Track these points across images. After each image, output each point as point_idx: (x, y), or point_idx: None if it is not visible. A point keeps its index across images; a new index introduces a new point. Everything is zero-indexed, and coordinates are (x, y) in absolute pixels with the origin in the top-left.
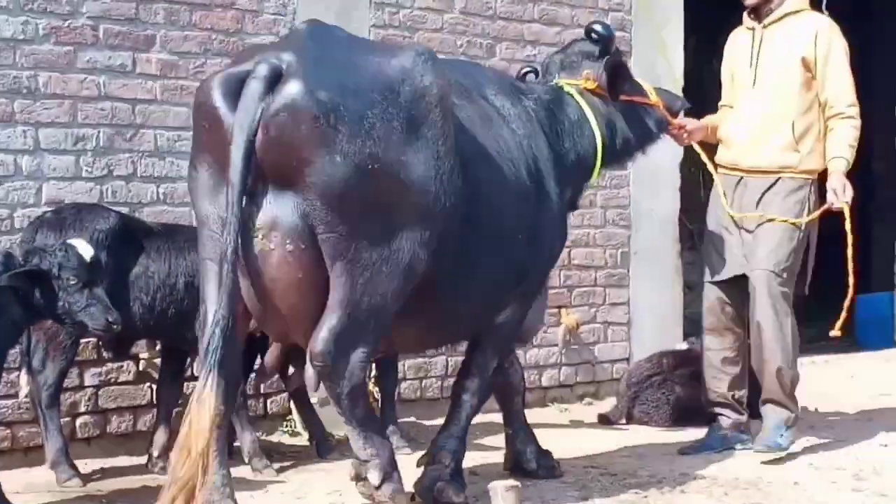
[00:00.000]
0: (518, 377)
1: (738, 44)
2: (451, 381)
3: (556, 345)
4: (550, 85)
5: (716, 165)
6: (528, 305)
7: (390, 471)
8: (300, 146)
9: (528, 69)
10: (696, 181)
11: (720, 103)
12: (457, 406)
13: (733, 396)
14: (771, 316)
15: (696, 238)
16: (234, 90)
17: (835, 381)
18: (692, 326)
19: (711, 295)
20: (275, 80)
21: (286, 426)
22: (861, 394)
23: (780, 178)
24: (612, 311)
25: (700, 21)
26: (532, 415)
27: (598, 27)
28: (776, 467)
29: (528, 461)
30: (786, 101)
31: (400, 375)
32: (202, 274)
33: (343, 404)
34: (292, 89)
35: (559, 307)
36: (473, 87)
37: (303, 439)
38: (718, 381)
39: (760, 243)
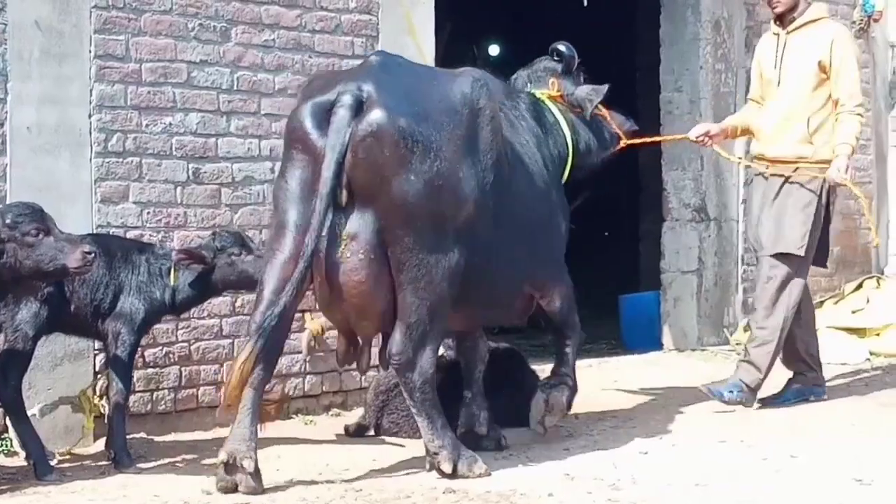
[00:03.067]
0: (483, 348)
1: (765, 46)
2: (185, 392)
3: (300, 352)
4: (526, 92)
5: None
6: (569, 288)
7: (457, 456)
8: (383, 166)
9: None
10: None
11: (748, 97)
12: (561, 354)
13: (807, 352)
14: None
15: None
16: (321, 117)
17: (598, 385)
18: None
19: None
20: (358, 108)
21: (1, 445)
22: (624, 399)
23: (797, 167)
24: None
25: (460, 4)
26: (274, 428)
27: (561, 48)
28: (533, 479)
29: (479, 425)
30: (803, 99)
31: None
32: (268, 262)
33: (415, 397)
34: (376, 117)
35: (303, 311)
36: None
37: (20, 458)
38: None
39: (780, 228)
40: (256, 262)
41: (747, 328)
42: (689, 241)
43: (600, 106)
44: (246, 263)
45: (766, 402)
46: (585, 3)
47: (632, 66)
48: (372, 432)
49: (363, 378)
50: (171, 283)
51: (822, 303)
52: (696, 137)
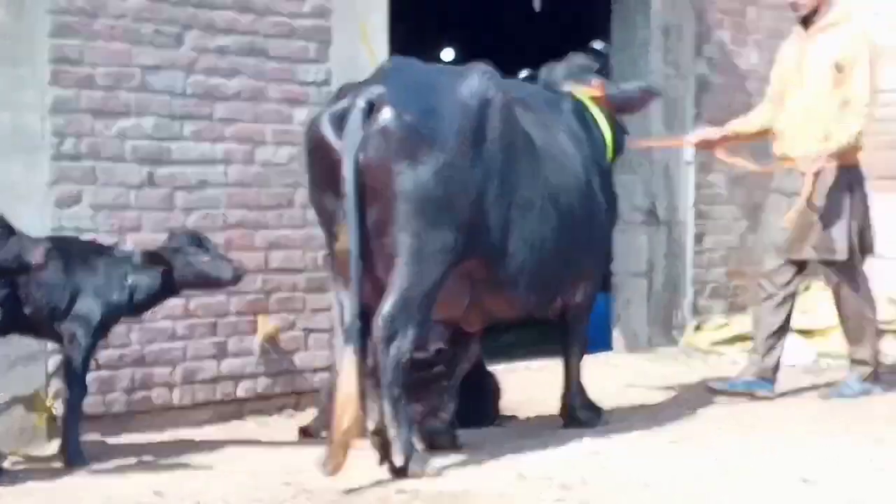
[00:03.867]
0: (475, 349)
1: (788, 49)
2: (140, 393)
3: (254, 354)
4: (565, 92)
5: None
6: (597, 284)
7: (410, 451)
8: (391, 160)
9: (529, 73)
10: None
11: (765, 98)
12: (568, 368)
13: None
14: (844, 295)
15: None
16: (339, 123)
17: (550, 386)
18: None
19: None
20: (370, 110)
21: None
22: None
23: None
24: (314, 317)
25: (410, 10)
26: (228, 429)
27: (598, 46)
28: (485, 479)
29: (442, 416)
30: (822, 99)
31: None
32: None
33: (386, 374)
34: (384, 115)
35: (256, 314)
36: (528, 99)
37: None
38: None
39: (817, 232)
40: (214, 262)
41: (697, 329)
42: (639, 244)
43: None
44: (204, 263)
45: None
46: (537, 8)
47: None
48: (325, 434)
49: (316, 380)
50: (129, 284)
51: None
52: (696, 143)
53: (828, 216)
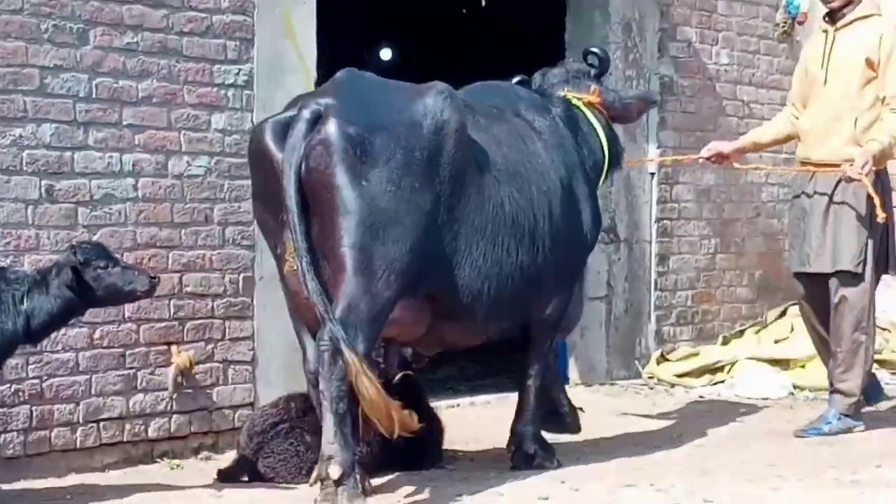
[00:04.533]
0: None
1: (813, 45)
2: (38, 434)
3: (166, 388)
4: (559, 97)
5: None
6: (569, 296)
7: (350, 472)
8: (332, 173)
9: (522, 78)
10: None
11: (788, 98)
12: (524, 391)
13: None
14: (843, 312)
15: None
16: (282, 134)
17: (498, 423)
18: None
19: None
20: (315, 121)
21: None
22: None
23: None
24: (234, 347)
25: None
26: (137, 474)
27: (596, 50)
28: None
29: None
30: (851, 98)
31: None
32: (288, 302)
33: (330, 391)
34: (328, 127)
35: (168, 343)
36: (508, 106)
37: None
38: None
39: (837, 242)
40: (125, 273)
41: (661, 359)
42: (598, 265)
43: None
44: (113, 276)
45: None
46: (483, 3)
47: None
48: (246, 478)
49: (236, 417)
50: (25, 309)
51: (742, 332)
52: (709, 157)
53: (847, 223)
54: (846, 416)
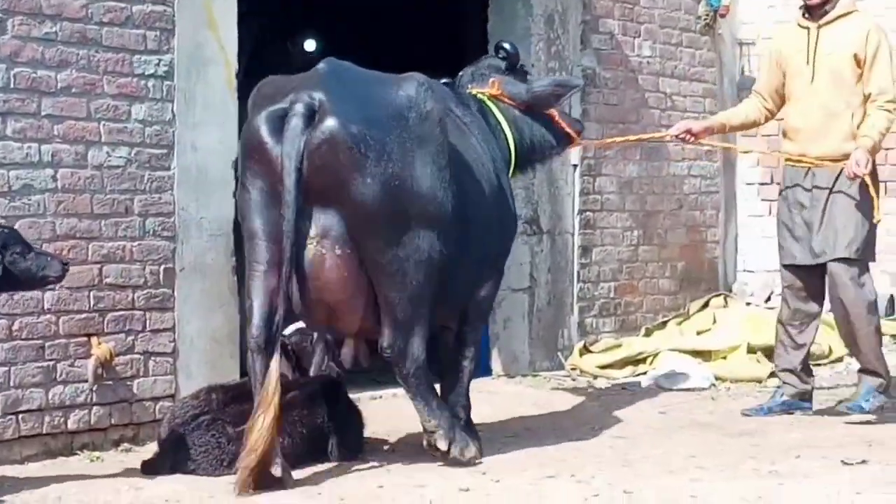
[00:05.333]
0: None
1: (790, 40)
2: None
3: (86, 380)
4: (467, 93)
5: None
6: (499, 281)
7: (453, 435)
8: (339, 171)
9: (445, 80)
10: None
11: (755, 88)
12: (458, 372)
13: (799, 367)
14: (852, 298)
15: None
16: (276, 125)
17: (397, 417)
18: None
19: (787, 277)
20: (311, 116)
21: None
22: None
23: (845, 165)
24: (154, 338)
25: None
26: (57, 466)
27: (506, 45)
28: None
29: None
30: (843, 94)
31: None
32: (249, 275)
33: (410, 383)
34: (330, 124)
35: (89, 335)
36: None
37: None
38: (786, 353)
39: (835, 231)
40: (39, 258)
41: (584, 351)
42: (520, 257)
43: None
44: (28, 261)
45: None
46: None
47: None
48: (167, 470)
49: (157, 409)
50: None
51: (665, 323)
52: (678, 135)
53: (845, 213)
54: (880, 392)
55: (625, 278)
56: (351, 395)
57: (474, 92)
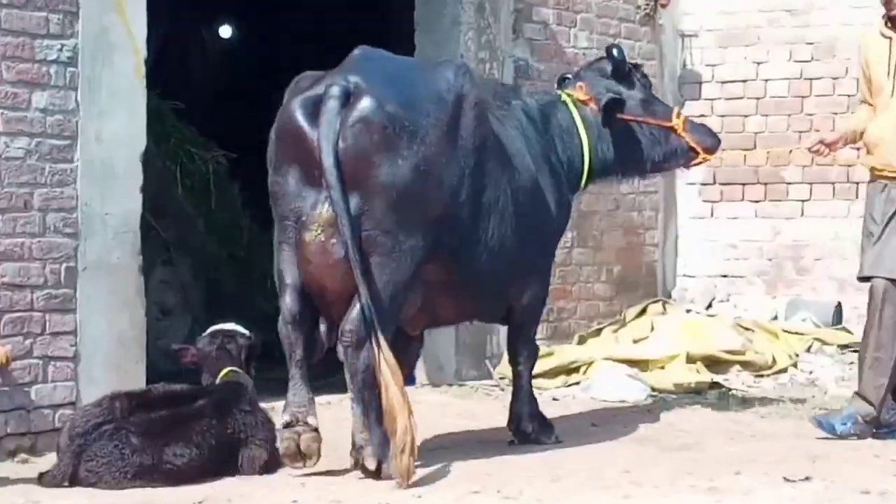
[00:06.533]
0: (416, 350)
1: (874, 49)
2: None
3: None
4: (550, 93)
5: None
6: (546, 286)
7: (382, 455)
8: (372, 151)
9: (566, 76)
10: (171, 178)
11: (859, 99)
12: (517, 376)
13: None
14: (887, 319)
15: (172, 249)
16: (312, 110)
17: (341, 423)
18: (175, 361)
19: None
20: (346, 98)
21: None
22: None
23: None
24: (54, 342)
25: None
26: None
27: (613, 51)
28: None
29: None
30: None
31: None
32: (280, 255)
33: (356, 382)
34: (365, 104)
35: None
36: (492, 97)
37: None
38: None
39: (890, 248)
40: None
41: None
42: None
43: (679, 117)
44: None
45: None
46: None
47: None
48: (67, 483)
49: (56, 417)
50: None
51: (599, 330)
52: (811, 148)
53: None
54: (865, 422)
55: (557, 282)
56: (266, 404)
57: (562, 93)
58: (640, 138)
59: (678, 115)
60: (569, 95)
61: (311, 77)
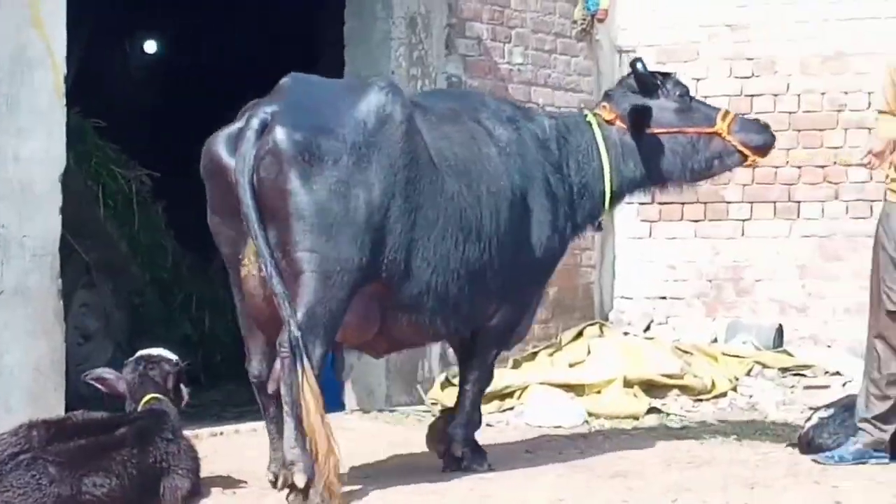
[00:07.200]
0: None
1: None
2: None
3: None
4: (574, 113)
5: None
6: (520, 311)
7: (312, 475)
8: (284, 181)
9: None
10: (92, 199)
11: (879, 109)
12: (462, 394)
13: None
14: None
15: (94, 272)
16: (234, 145)
17: (258, 455)
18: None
19: None
20: (263, 130)
21: None
22: None
23: None
24: None
25: None
26: None
27: (638, 65)
28: None
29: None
30: None
31: None
32: (238, 306)
33: (292, 395)
34: (275, 135)
35: None
36: (466, 112)
37: None
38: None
39: None
40: None
41: (446, 384)
42: None
43: (725, 119)
44: None
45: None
46: None
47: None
48: None
49: None
50: None
51: (535, 354)
52: (862, 159)
53: None
54: (876, 451)
55: None
56: (189, 431)
57: (587, 112)
58: (676, 148)
59: (724, 117)
60: (595, 115)
61: (251, 106)
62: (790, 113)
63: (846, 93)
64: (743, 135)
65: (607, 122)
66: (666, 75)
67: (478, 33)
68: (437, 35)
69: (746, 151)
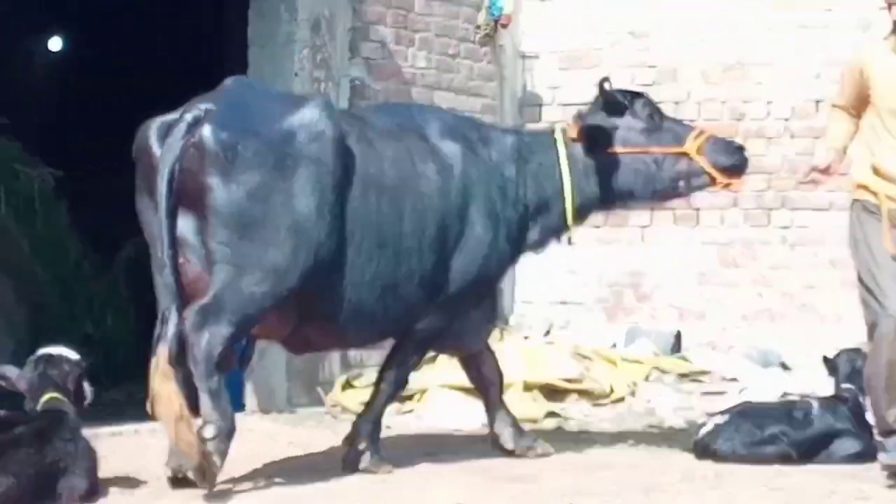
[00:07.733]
0: (492, 369)
1: (879, 63)
2: None
3: None
4: (542, 129)
5: None
6: (448, 318)
7: (224, 433)
8: (204, 174)
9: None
10: None
11: (836, 104)
12: (377, 392)
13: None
14: None
15: None
16: (165, 134)
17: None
18: None
19: None
20: (195, 124)
21: None
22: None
23: None
24: None
25: None
26: None
27: (605, 84)
28: None
29: (506, 441)
30: None
31: None
32: (154, 276)
33: (199, 369)
34: (203, 130)
35: None
36: (413, 129)
37: None
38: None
39: None
40: None
41: (346, 385)
42: None
43: (697, 139)
44: None
45: None
46: None
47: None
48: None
49: None
50: None
51: (435, 357)
52: (805, 181)
53: None
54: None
55: None
56: (88, 431)
57: (555, 129)
58: (639, 167)
59: (697, 137)
60: (563, 132)
61: (190, 102)
62: (691, 121)
63: (746, 102)
64: (712, 156)
65: (573, 140)
66: (636, 94)
67: (382, 37)
68: (340, 38)
69: (714, 173)
